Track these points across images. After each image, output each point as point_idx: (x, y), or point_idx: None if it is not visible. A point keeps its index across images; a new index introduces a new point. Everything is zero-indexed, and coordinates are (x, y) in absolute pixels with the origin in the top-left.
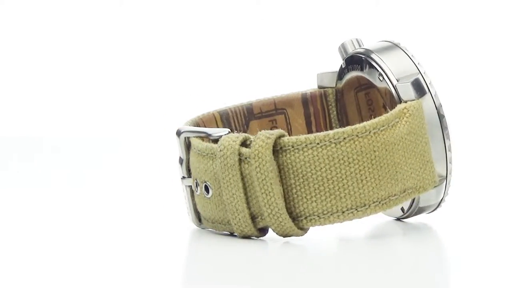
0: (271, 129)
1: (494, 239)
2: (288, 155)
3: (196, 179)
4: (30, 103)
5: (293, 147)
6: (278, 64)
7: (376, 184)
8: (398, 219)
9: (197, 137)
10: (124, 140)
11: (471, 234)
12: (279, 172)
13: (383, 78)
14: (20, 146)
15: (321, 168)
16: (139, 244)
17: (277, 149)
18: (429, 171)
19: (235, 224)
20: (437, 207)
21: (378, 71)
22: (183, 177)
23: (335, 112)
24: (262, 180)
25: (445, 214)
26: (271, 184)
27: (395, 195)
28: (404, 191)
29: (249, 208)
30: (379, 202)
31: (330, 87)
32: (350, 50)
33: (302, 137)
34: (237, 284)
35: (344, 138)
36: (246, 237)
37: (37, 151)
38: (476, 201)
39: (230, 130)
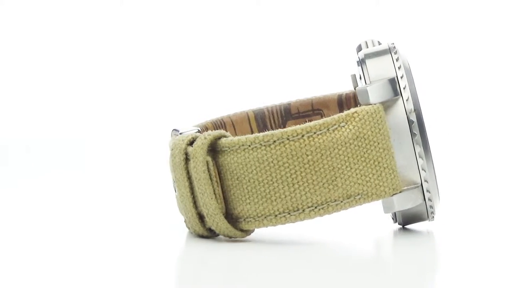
0: None
1: (494, 241)
2: (225, 156)
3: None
4: (29, 103)
5: (229, 148)
6: (320, 63)
7: (310, 189)
8: (402, 226)
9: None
10: (136, 141)
11: (472, 238)
12: (219, 173)
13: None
14: (14, 147)
15: (252, 171)
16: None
17: (217, 150)
18: (386, 178)
19: (188, 222)
20: (428, 215)
21: (360, 74)
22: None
23: None
24: (198, 180)
25: (447, 219)
26: (204, 184)
27: (335, 200)
28: (349, 197)
29: (196, 207)
30: (315, 207)
31: None
32: None
33: (236, 138)
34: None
35: (274, 141)
36: (200, 236)
37: (35, 152)
38: (477, 204)
39: (199, 130)
